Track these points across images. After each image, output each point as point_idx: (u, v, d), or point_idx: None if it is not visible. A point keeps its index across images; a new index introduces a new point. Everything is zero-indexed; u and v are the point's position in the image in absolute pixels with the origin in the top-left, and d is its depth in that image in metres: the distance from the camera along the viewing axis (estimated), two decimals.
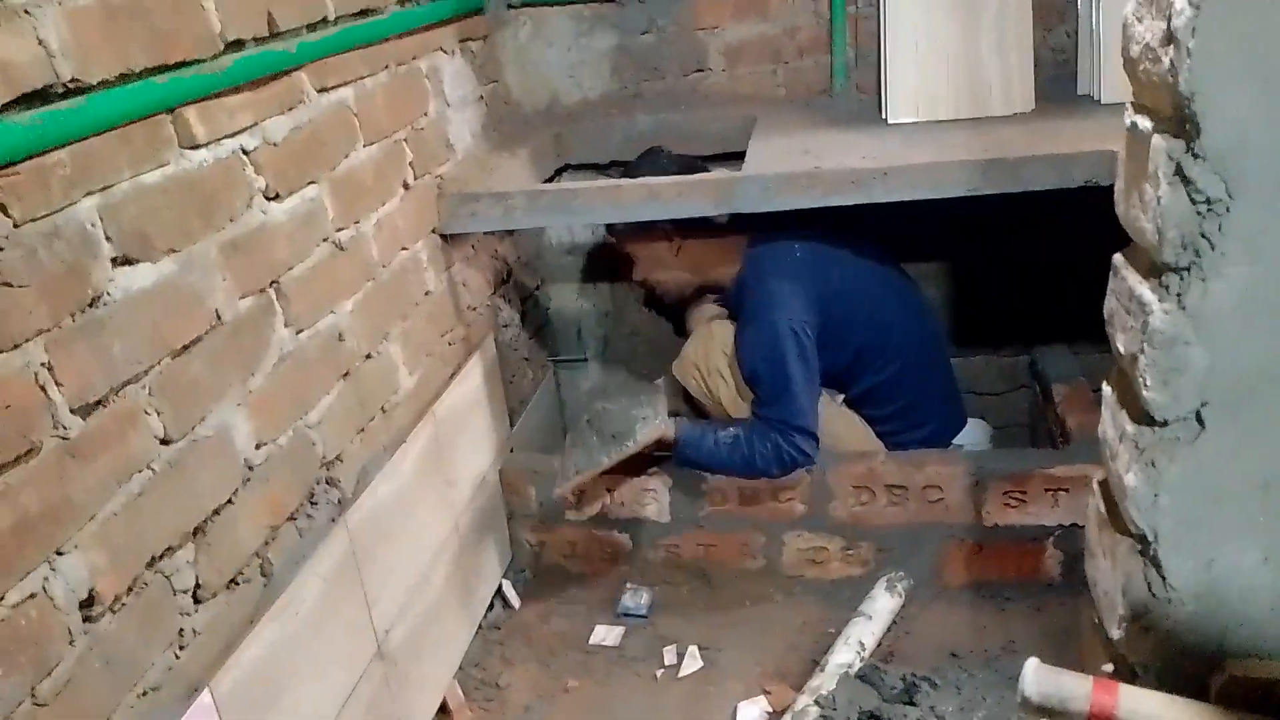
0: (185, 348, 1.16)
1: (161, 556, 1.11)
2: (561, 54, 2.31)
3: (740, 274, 2.01)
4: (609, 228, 2.21)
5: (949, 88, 1.98)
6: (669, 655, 1.90)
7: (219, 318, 1.23)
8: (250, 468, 1.28)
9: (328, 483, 1.48)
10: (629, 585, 2.05)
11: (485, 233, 2.13)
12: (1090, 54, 2.01)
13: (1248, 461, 0.84)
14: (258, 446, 1.30)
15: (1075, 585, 1.95)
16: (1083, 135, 1.75)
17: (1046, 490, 1.91)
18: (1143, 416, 0.87)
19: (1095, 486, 1.04)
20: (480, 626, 1.99)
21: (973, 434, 2.18)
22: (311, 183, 1.45)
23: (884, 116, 2.06)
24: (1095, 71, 1.99)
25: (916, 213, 1.82)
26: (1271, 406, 0.82)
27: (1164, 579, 0.87)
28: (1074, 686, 0.79)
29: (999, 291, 2.39)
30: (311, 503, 1.42)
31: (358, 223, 1.59)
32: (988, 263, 2.37)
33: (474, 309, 2.05)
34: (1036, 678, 0.80)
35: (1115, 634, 0.94)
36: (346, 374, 1.54)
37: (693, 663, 1.87)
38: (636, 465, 2.01)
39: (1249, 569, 0.85)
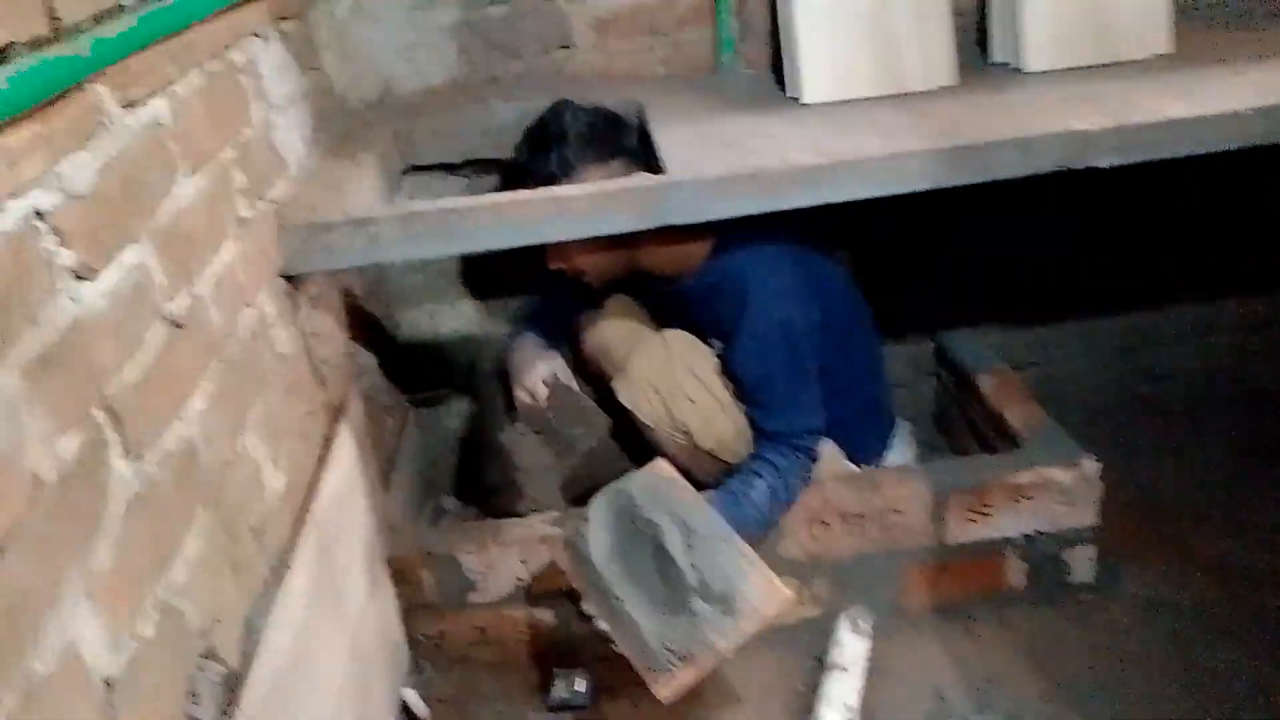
0: None
1: None
2: (392, 33, 1.89)
3: (723, 280, 1.72)
4: None
5: (865, 61, 1.75)
6: None
7: (38, 481, 0.79)
8: (111, 688, 0.85)
9: (208, 657, 1.07)
10: (559, 672, 1.73)
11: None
12: (1005, 15, 1.83)
13: None
14: (115, 649, 0.87)
15: (1039, 594, 1.83)
16: (1033, 111, 1.58)
17: (1009, 499, 1.76)
18: None
19: None
20: None
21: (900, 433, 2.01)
22: (132, 243, 1.02)
23: (791, 95, 1.80)
24: (1012, 35, 1.82)
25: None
26: None
27: None
28: None
29: (895, 274, 2.21)
30: (193, 700, 1.00)
31: (192, 285, 1.15)
32: (882, 245, 2.19)
33: (330, 363, 1.63)
34: None
35: None
36: (207, 499, 1.12)
37: None
38: None
39: None
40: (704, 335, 1.78)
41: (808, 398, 1.70)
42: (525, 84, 1.94)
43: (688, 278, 1.78)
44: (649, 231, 1.67)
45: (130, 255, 1.01)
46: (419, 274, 2.13)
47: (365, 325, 1.91)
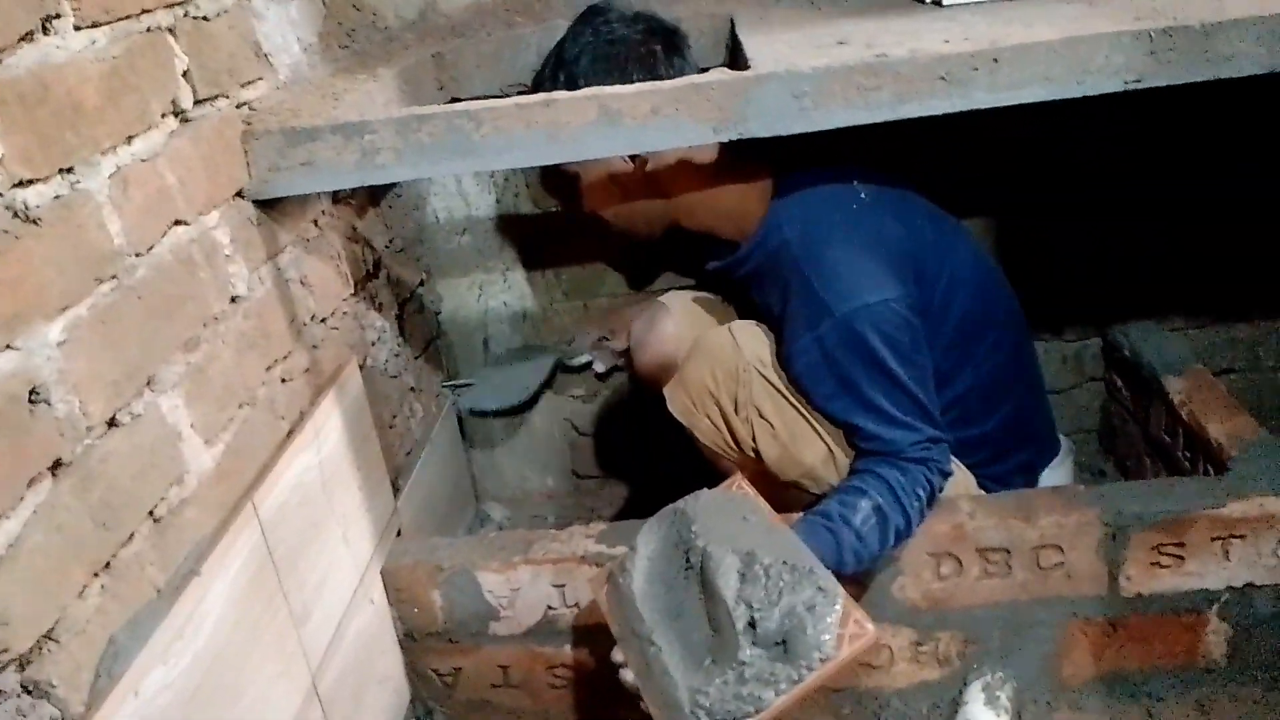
0: None
1: None
2: None
3: (774, 241, 1.30)
4: None
5: None
6: None
7: None
8: None
9: (25, 691, 0.73)
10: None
11: (335, 198, 1.38)
12: None
13: None
14: None
15: (1247, 670, 1.36)
16: None
17: (1214, 539, 1.29)
18: None
19: None
20: None
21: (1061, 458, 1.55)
22: None
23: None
24: None
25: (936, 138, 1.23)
26: None
27: None
28: None
29: (1048, 248, 1.74)
30: None
31: (68, 172, 0.83)
32: (1029, 208, 1.72)
33: (323, 321, 1.30)
34: None
35: None
36: (59, 465, 0.78)
37: None
38: None
39: None
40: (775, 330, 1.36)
41: (914, 403, 1.24)
42: None
43: (744, 244, 1.36)
44: (695, 169, 1.30)
45: None
46: (465, 236, 1.79)
47: (390, 286, 1.58)
